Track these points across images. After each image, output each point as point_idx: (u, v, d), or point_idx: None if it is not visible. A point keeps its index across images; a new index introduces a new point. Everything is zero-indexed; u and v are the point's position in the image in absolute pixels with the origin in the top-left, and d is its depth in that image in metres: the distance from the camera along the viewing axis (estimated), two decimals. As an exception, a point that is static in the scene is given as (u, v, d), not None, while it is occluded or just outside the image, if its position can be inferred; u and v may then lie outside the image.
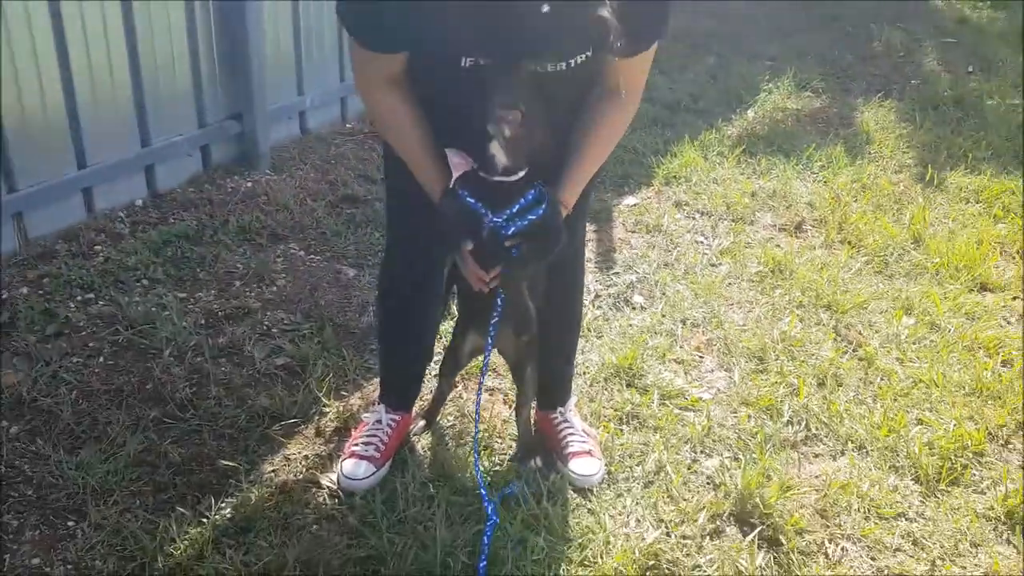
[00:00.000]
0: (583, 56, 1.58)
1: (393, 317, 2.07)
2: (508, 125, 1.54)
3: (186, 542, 1.85)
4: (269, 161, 3.48)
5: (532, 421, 2.17)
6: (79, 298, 2.63)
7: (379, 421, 2.12)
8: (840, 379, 2.54)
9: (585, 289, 2.86)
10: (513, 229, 1.65)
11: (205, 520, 1.91)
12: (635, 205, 3.58)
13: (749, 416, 2.35)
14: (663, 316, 2.80)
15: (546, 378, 2.12)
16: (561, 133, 1.70)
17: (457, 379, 2.29)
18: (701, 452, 2.21)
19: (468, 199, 1.65)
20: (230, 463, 2.06)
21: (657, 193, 3.71)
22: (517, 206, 1.65)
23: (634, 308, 2.85)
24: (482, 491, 1.83)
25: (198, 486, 2.03)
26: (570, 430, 2.14)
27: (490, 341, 1.79)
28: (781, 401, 2.41)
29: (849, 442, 2.29)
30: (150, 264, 2.80)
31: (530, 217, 1.66)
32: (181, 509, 1.95)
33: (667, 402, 2.37)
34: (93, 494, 1.96)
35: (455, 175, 1.64)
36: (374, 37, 1.58)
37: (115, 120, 2.92)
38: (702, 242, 3.35)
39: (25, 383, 2.26)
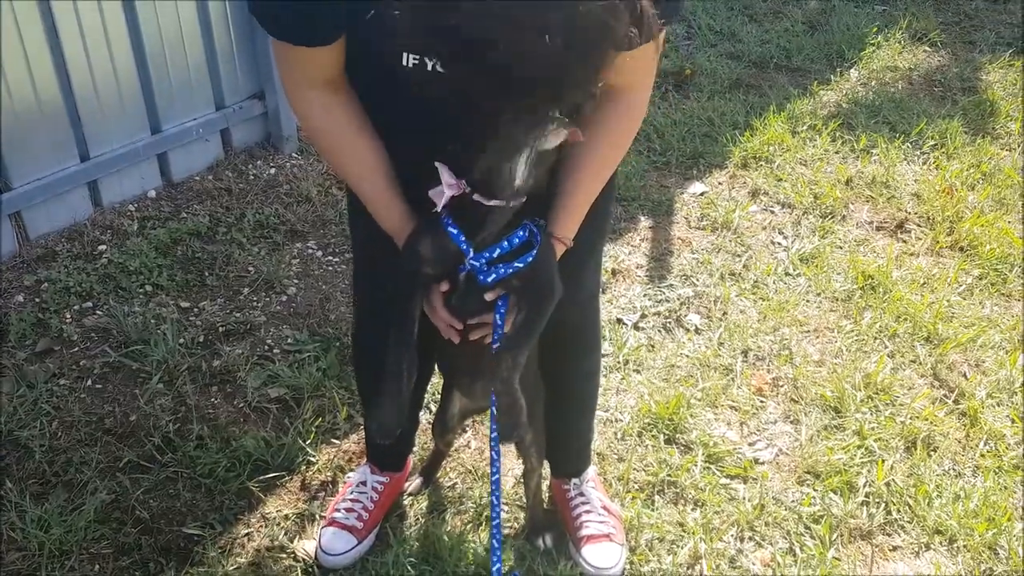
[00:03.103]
0: None
1: (370, 383, 1.76)
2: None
3: (138, 626, 1.64)
4: (296, 144, 3.19)
5: (545, 489, 1.85)
6: (76, 308, 2.44)
7: (364, 483, 1.85)
8: (933, 443, 2.08)
9: (631, 306, 2.48)
10: (494, 277, 1.31)
11: (163, 597, 1.70)
12: (702, 194, 3.11)
13: (815, 494, 1.93)
14: (720, 345, 2.38)
15: (558, 443, 1.78)
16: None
17: (457, 436, 1.98)
18: (749, 539, 1.83)
19: (451, 228, 1.30)
20: (196, 532, 1.84)
21: (731, 179, 3.22)
22: (498, 249, 1.30)
23: (687, 331, 2.44)
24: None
25: (163, 550, 1.82)
26: (586, 507, 1.80)
27: (494, 443, 1.46)
28: (857, 472, 1.98)
29: (937, 535, 1.86)
30: (155, 268, 2.58)
31: (517, 264, 1.31)
32: (141, 580, 1.75)
33: (713, 466, 1.99)
34: (50, 556, 1.78)
35: (446, 196, 1.27)
36: (299, 25, 1.21)
37: (118, 105, 2.67)
38: (779, 244, 2.87)
39: (3, 411, 2.09)
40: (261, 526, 1.88)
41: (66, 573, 1.75)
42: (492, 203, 1.25)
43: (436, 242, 1.31)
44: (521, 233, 1.30)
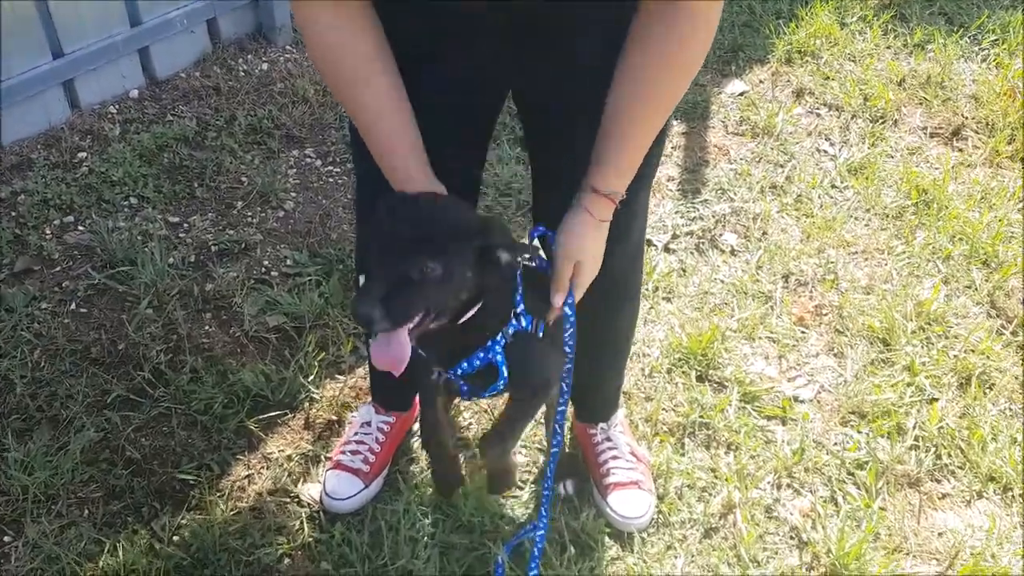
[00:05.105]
0: None
1: None
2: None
3: (131, 577, 1.53)
4: (290, 35, 2.89)
5: (568, 430, 1.70)
6: (56, 223, 2.25)
7: (368, 424, 1.70)
8: (990, 379, 1.91)
9: (661, 225, 2.27)
10: (480, 396, 1.28)
11: (158, 545, 1.59)
12: (742, 95, 2.82)
13: (859, 437, 1.78)
14: (759, 268, 2.17)
15: (588, 390, 1.62)
16: (590, 79, 1.08)
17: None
18: (788, 487, 1.69)
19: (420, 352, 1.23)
20: (191, 476, 1.70)
21: (773, 76, 2.92)
22: (466, 364, 1.21)
23: (723, 252, 2.23)
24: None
25: (157, 493, 1.70)
26: (613, 452, 1.65)
27: None
28: (906, 413, 1.82)
29: (991, 482, 1.71)
30: (139, 178, 2.36)
31: (498, 385, 1.23)
32: (134, 525, 1.63)
33: (749, 406, 1.83)
34: (35, 501, 1.66)
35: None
36: None
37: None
38: (826, 152, 2.62)
39: (-19, 339, 1.93)
40: (262, 468, 1.75)
41: (52, 519, 1.63)
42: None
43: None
44: (494, 349, 1.17)
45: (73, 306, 2.05)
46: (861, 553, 1.54)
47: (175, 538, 1.61)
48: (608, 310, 1.46)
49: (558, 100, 1.18)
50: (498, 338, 1.17)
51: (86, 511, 1.66)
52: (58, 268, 2.14)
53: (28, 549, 1.59)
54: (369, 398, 1.77)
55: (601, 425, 1.67)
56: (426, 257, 1.02)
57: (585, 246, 1.18)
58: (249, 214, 2.31)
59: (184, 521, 1.64)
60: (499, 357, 1.17)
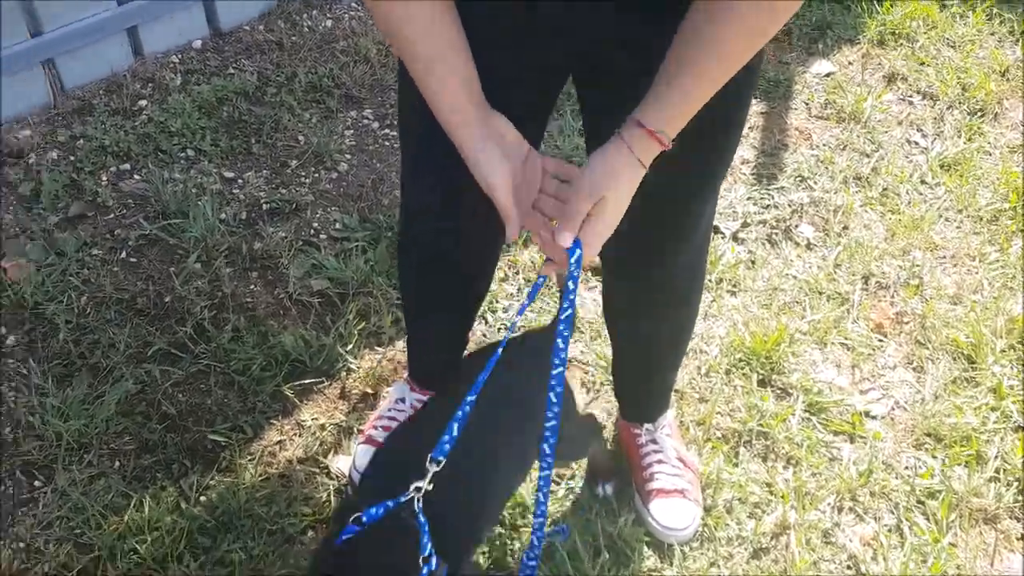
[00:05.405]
0: None
1: (415, 280, 1.48)
2: None
3: (154, 534, 1.51)
4: (359, -9, 2.81)
5: (611, 427, 1.60)
6: (112, 169, 2.23)
7: (402, 400, 1.63)
8: (1089, 409, 1.72)
9: (731, 212, 2.12)
10: None
11: (184, 505, 1.56)
12: (828, 76, 2.63)
13: (934, 463, 1.62)
14: (837, 267, 2.01)
15: (636, 390, 1.51)
16: None
17: None
18: (850, 511, 1.56)
19: None
20: (223, 437, 1.67)
21: (864, 58, 2.71)
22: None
23: (797, 246, 2.08)
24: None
25: (189, 451, 1.67)
26: (658, 457, 1.54)
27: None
28: (988, 440, 1.66)
29: (1083, 525, 1.54)
30: (197, 130, 2.33)
31: None
32: (163, 482, 1.61)
33: (815, 418, 1.69)
34: (68, 449, 1.64)
35: None
36: None
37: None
38: (916, 144, 2.42)
39: (32, 280, 1.93)
40: (295, 434, 1.71)
41: (83, 468, 1.62)
42: None
43: None
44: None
45: (123, 255, 2.04)
46: (925, 589, 1.40)
47: (202, 499, 1.58)
48: (666, 306, 1.34)
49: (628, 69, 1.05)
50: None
51: (117, 463, 1.64)
52: (111, 215, 2.13)
53: (56, 496, 1.58)
54: (406, 374, 1.69)
55: (647, 426, 1.55)
56: None
57: (615, 183, 0.97)
58: (303, 174, 2.26)
59: (212, 482, 1.61)
60: None
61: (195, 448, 1.68)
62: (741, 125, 1.15)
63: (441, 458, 1.02)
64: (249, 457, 1.65)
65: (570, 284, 1.03)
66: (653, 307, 1.31)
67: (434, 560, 0.99)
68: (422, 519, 1.00)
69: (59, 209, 2.13)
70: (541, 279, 1.11)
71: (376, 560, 1.02)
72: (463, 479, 1.08)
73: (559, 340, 1.04)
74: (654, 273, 1.27)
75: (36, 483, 1.61)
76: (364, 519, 1.02)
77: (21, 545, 1.51)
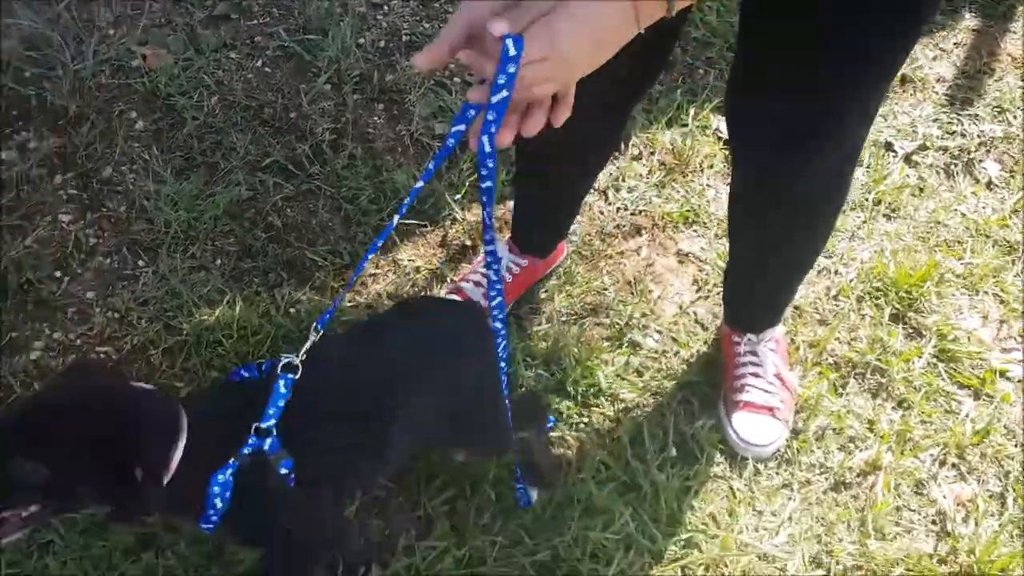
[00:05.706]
0: None
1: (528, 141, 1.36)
2: None
3: (240, 332, 1.53)
4: None
5: (713, 330, 1.47)
6: (263, -27, 2.18)
7: (500, 260, 1.54)
8: None
9: (911, 131, 1.87)
10: None
11: (273, 312, 1.57)
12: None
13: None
14: (1014, 213, 1.76)
15: (746, 296, 1.37)
16: None
17: None
18: (953, 466, 1.39)
19: None
20: (321, 259, 1.65)
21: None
22: None
23: (976, 182, 1.82)
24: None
25: (287, 263, 1.67)
26: (754, 370, 1.41)
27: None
28: None
29: None
30: (353, -51, 2.23)
31: None
32: (258, 287, 1.62)
33: (942, 365, 1.51)
34: (174, 238, 1.67)
35: None
36: None
37: None
38: None
39: (168, 72, 1.94)
40: (389, 271, 1.67)
41: (186, 258, 1.65)
42: None
43: None
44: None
45: (259, 63, 2.01)
46: (1010, 567, 1.24)
47: (291, 310, 1.59)
48: (795, 222, 1.18)
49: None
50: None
51: (218, 260, 1.66)
52: (255, 21, 2.10)
53: (156, 279, 1.62)
54: (509, 235, 1.61)
55: (749, 336, 1.42)
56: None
57: (591, 14, 0.75)
58: (450, 8, 2.14)
59: (303, 297, 1.61)
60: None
61: (293, 262, 1.67)
62: (912, 34, 0.94)
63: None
64: (342, 282, 1.64)
65: (494, 98, 0.73)
66: (782, 214, 1.16)
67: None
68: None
69: (206, 6, 2.11)
70: (452, 138, 0.84)
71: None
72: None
73: (484, 214, 0.86)
74: (794, 173, 1.10)
75: (140, 263, 1.65)
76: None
77: (116, 315, 1.57)
